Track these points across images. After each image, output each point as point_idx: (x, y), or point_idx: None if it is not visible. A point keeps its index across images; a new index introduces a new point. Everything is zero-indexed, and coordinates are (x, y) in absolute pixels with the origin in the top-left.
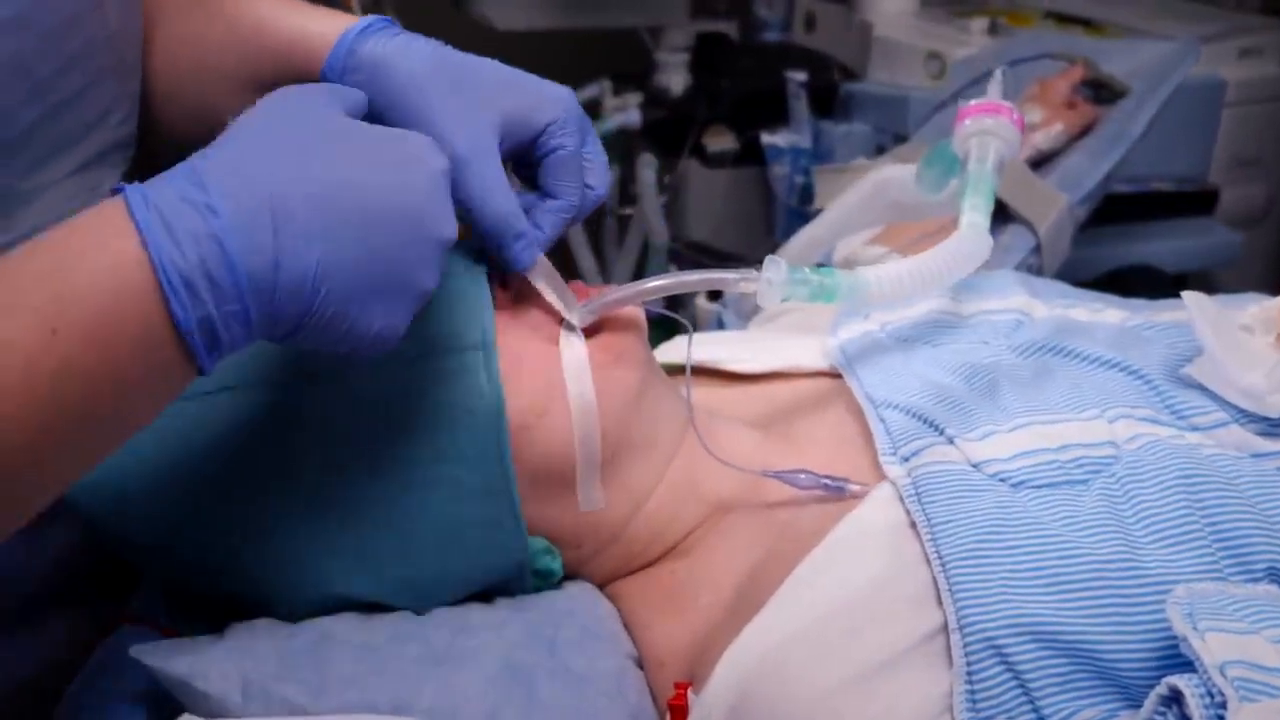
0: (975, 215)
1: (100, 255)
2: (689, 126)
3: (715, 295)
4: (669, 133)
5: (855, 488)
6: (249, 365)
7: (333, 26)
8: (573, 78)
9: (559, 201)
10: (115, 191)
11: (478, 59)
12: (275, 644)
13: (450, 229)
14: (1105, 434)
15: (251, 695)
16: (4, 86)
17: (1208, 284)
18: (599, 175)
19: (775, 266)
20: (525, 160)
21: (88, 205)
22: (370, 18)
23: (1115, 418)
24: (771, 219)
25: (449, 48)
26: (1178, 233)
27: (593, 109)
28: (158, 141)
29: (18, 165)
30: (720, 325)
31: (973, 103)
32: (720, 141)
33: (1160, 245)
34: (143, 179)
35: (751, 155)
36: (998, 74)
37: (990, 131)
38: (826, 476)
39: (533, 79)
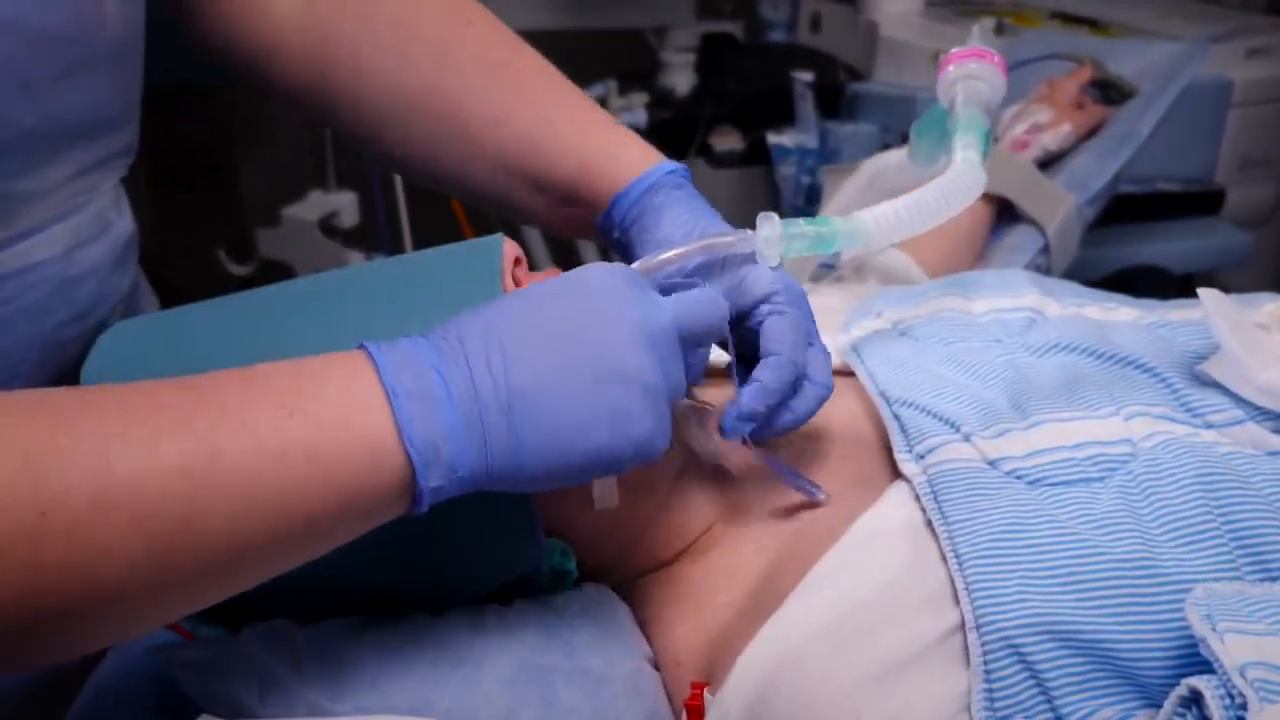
0: (968, 151)
1: (340, 383)
2: (695, 127)
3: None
4: (675, 133)
5: (822, 496)
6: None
7: (637, 161)
8: (578, 78)
9: (779, 357)
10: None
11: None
12: (292, 645)
13: (662, 442)
14: (1122, 432)
15: (269, 696)
16: None
17: (1214, 284)
18: (822, 369)
19: (769, 223)
20: (746, 332)
21: (86, 206)
22: (669, 165)
23: (1131, 416)
24: None
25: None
26: (1184, 233)
27: None
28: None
29: (14, 168)
30: None
31: (955, 50)
32: (726, 142)
33: (1167, 245)
34: (154, 181)
35: (758, 155)
36: (976, 28)
37: (975, 75)
38: (805, 478)
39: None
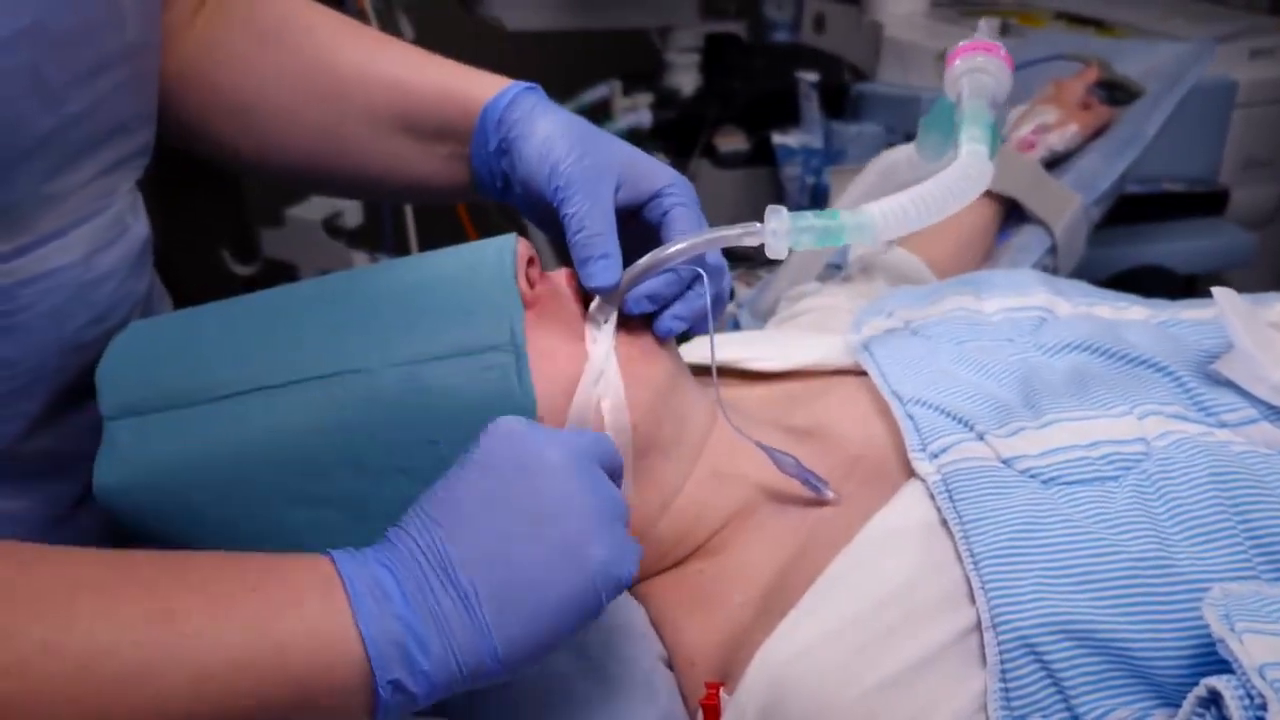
0: (975, 144)
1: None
2: (700, 127)
3: (729, 295)
4: (680, 133)
5: (830, 494)
6: (279, 365)
7: (494, 82)
8: (582, 78)
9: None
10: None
11: (602, 130)
12: None
13: (632, 569)
14: (1135, 431)
15: None
16: (19, 96)
17: (1218, 284)
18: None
19: (777, 216)
20: (642, 226)
21: (105, 210)
22: (519, 86)
23: (1145, 414)
24: None
25: (579, 118)
26: (1188, 233)
27: (603, 110)
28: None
29: (35, 173)
30: (736, 326)
31: (962, 43)
32: (731, 142)
33: (1171, 246)
34: (157, 181)
35: (763, 156)
36: (982, 23)
37: (981, 69)
38: (811, 473)
39: (650, 156)
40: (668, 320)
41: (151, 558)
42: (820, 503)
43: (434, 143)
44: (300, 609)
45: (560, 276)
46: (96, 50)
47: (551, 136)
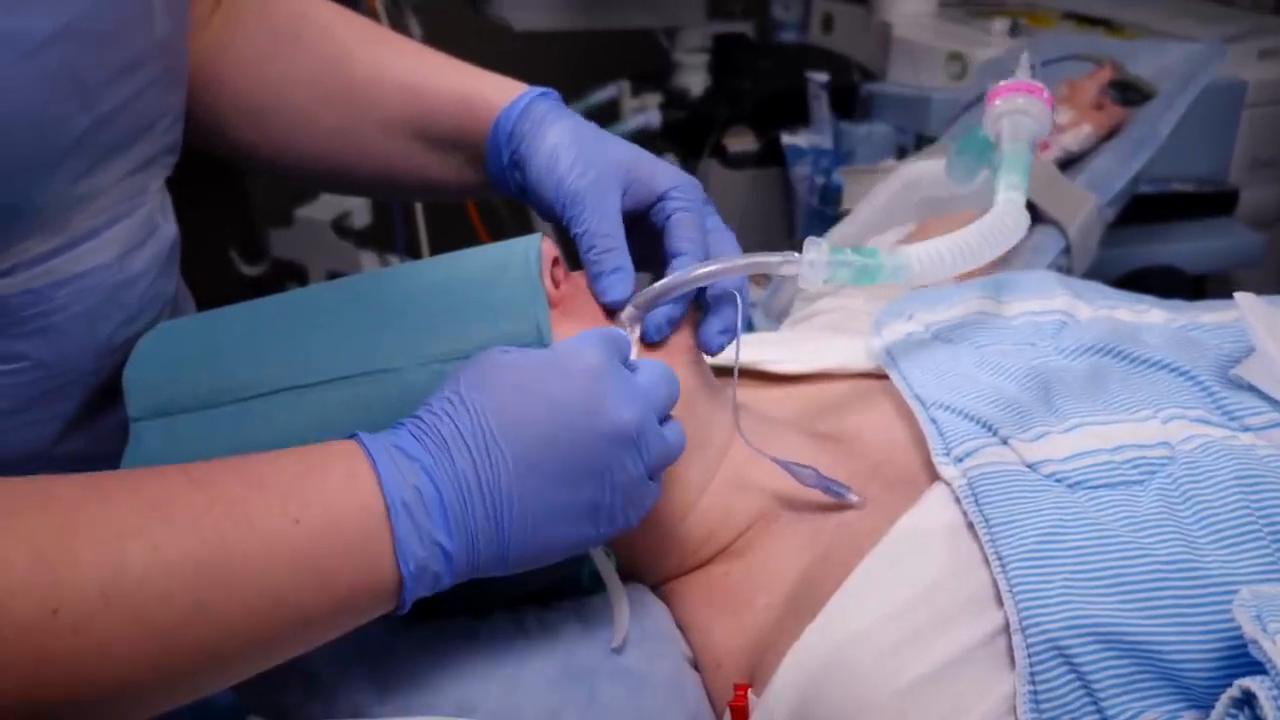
0: (1012, 192)
1: (342, 488)
2: (709, 128)
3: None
4: (689, 134)
5: (854, 498)
6: (307, 365)
7: (509, 89)
8: (591, 78)
9: (681, 257)
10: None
11: (608, 134)
12: (334, 646)
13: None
14: (1159, 435)
15: (315, 698)
16: (57, 96)
17: (1228, 285)
18: (727, 245)
19: (816, 247)
20: (649, 229)
21: (136, 210)
22: (538, 90)
23: (1169, 419)
24: (793, 220)
25: (587, 125)
26: (1198, 233)
27: (612, 110)
28: (232, 147)
29: (70, 173)
30: (750, 327)
31: (1003, 83)
32: (741, 142)
33: (1180, 246)
34: (183, 180)
35: (772, 156)
36: (1024, 57)
37: (1022, 110)
38: (832, 480)
39: (653, 156)
40: (715, 337)
41: (191, 493)
42: (844, 506)
43: (449, 149)
44: (343, 537)
45: (584, 276)
46: (129, 48)
47: (556, 150)
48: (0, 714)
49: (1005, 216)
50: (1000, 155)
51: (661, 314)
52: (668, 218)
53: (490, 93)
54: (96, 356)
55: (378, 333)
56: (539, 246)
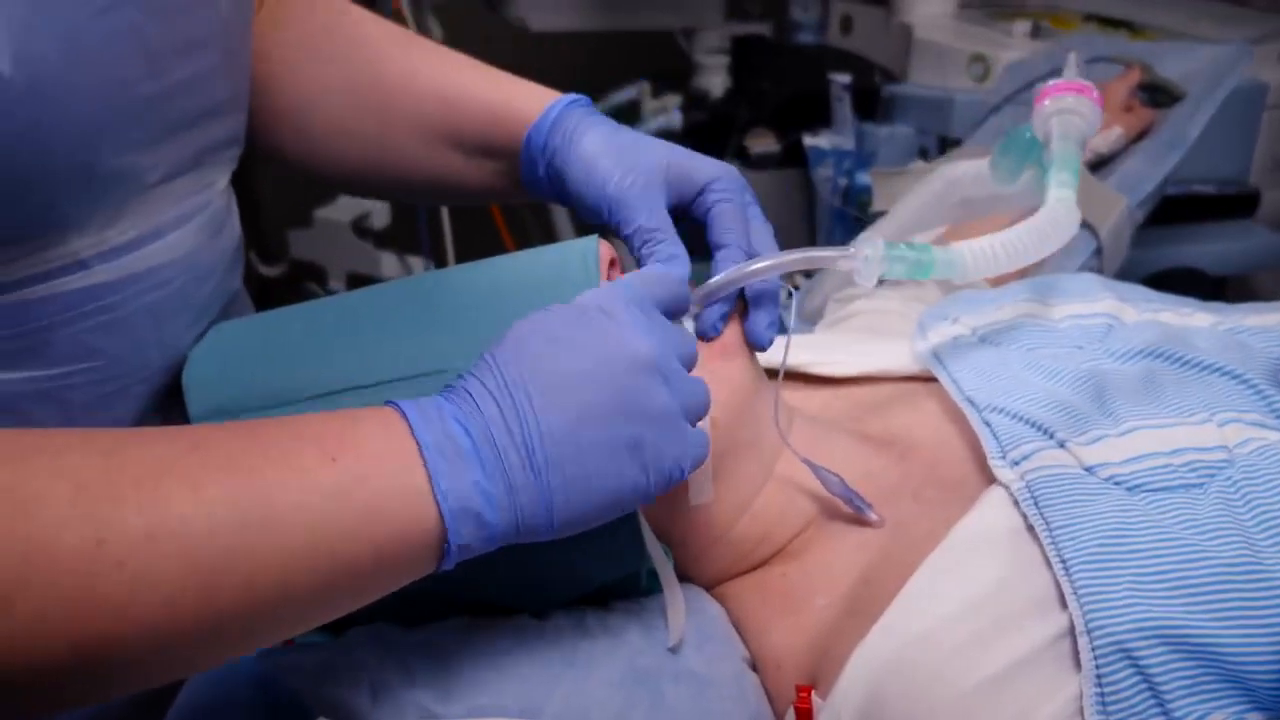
0: (1063, 190)
1: (375, 433)
2: (730, 129)
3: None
4: (710, 135)
5: (874, 517)
6: (368, 365)
7: (541, 97)
8: (608, 79)
9: (726, 249)
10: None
11: (642, 134)
12: (400, 649)
13: (689, 466)
14: (1216, 438)
15: (381, 701)
16: (123, 57)
17: (1249, 287)
18: (766, 237)
19: (872, 244)
20: (692, 221)
21: (205, 208)
22: (567, 99)
23: (1225, 422)
24: (815, 221)
25: (621, 129)
26: (1219, 235)
27: (632, 111)
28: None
29: (134, 140)
30: (782, 329)
31: (1052, 83)
32: (762, 144)
33: (1201, 248)
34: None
35: (794, 158)
36: (1072, 57)
37: (1072, 110)
38: (855, 493)
39: (689, 150)
40: (764, 331)
41: (227, 438)
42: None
43: (481, 158)
44: (380, 475)
45: None
46: (192, 22)
47: (594, 160)
48: (49, 660)
49: (1057, 214)
50: (1050, 154)
51: (715, 311)
52: (708, 210)
53: (520, 103)
54: (162, 355)
55: (436, 333)
56: (596, 248)
